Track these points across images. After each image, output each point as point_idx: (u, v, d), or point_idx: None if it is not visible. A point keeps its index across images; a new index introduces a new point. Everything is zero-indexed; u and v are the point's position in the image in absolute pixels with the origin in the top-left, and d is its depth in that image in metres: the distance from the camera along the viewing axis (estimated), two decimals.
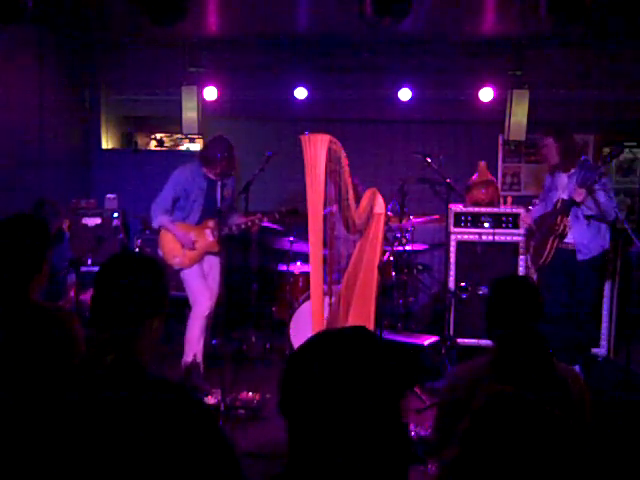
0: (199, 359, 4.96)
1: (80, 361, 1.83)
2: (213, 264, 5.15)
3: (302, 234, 4.70)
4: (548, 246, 4.93)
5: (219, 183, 5.04)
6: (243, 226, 5.11)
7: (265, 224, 5.66)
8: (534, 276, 5.19)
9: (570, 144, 4.96)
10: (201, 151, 5.28)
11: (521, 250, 5.73)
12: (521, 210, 5.76)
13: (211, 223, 5.04)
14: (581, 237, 4.87)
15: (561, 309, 4.87)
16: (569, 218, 4.86)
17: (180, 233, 4.99)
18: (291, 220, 5.50)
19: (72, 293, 4.17)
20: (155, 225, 5.06)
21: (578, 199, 4.70)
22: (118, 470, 1.63)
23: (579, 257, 4.88)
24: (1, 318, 2.25)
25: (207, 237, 5.04)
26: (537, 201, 5.43)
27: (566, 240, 4.93)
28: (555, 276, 4.95)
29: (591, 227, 4.87)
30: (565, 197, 4.88)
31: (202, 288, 5.02)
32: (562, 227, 4.85)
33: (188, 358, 4.93)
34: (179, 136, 7.64)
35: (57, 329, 2.25)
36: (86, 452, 1.64)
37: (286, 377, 1.15)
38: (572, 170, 4.91)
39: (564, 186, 4.96)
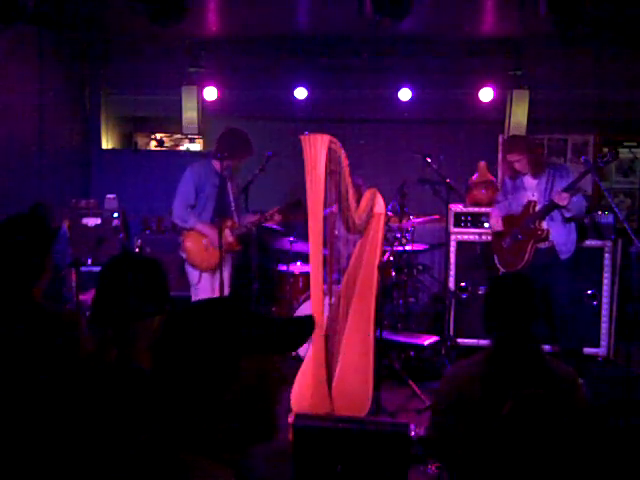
0: None
1: (84, 358, 1.84)
2: (226, 263, 5.12)
3: (302, 234, 4.70)
4: (528, 249, 4.96)
5: (229, 182, 5.07)
6: (257, 223, 5.12)
7: (267, 225, 5.67)
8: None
9: (538, 154, 5.17)
10: (217, 146, 5.14)
11: None
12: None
13: (229, 222, 5.06)
14: (559, 237, 4.96)
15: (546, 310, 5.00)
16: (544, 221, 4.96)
17: (212, 233, 4.99)
18: (295, 218, 5.50)
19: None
20: (189, 225, 5.07)
21: (563, 203, 4.73)
22: (124, 468, 1.64)
23: (562, 257, 4.97)
24: (6, 320, 2.24)
25: (227, 237, 5.04)
26: (499, 199, 5.37)
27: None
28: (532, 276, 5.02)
29: (565, 226, 4.97)
30: (535, 199, 4.96)
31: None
32: (545, 232, 4.93)
33: None
34: (179, 136, 7.63)
35: (63, 331, 2.25)
36: (90, 450, 1.64)
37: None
38: (542, 174, 4.98)
39: (533, 188, 5.03)
